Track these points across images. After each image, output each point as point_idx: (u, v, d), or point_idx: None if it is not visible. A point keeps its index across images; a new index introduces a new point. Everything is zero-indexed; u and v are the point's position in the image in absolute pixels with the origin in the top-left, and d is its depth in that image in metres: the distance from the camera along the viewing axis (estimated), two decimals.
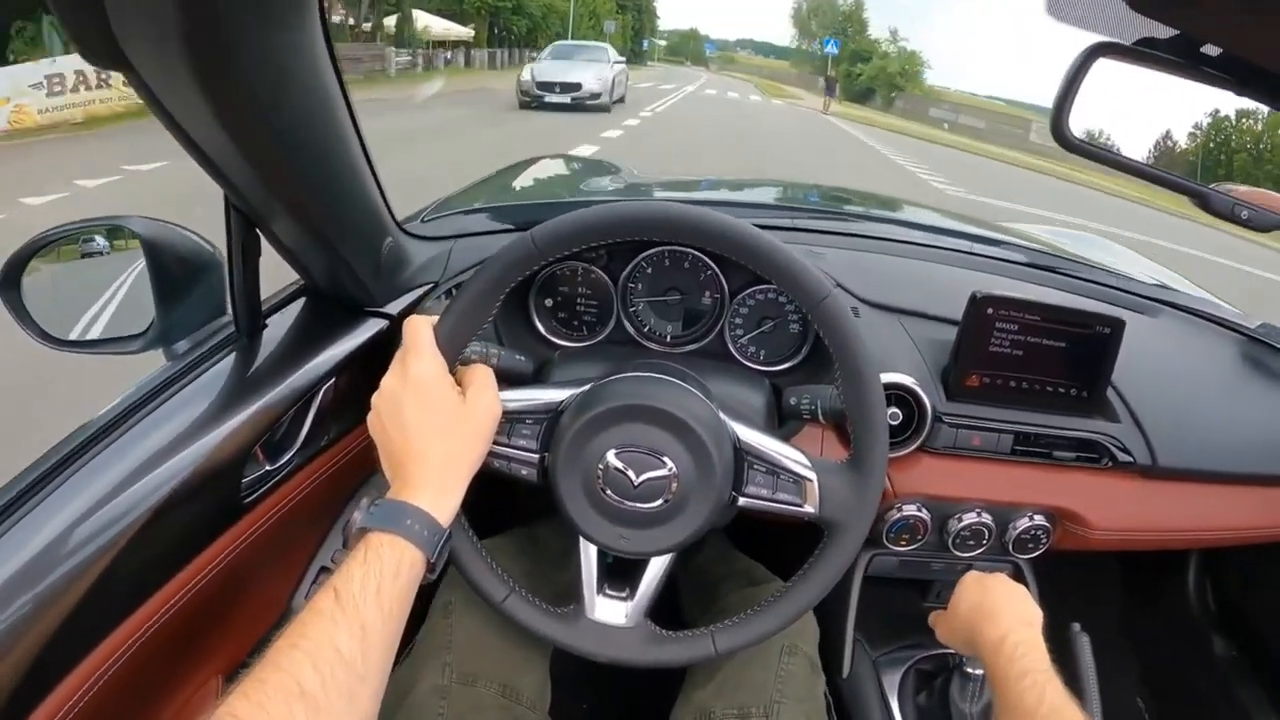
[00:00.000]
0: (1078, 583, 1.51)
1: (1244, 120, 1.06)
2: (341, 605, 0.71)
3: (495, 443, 0.93)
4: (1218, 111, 1.03)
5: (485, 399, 0.90)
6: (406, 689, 1.04)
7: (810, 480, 0.93)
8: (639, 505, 0.90)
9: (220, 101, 0.74)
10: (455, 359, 0.90)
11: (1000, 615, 1.00)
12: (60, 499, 0.83)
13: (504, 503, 1.08)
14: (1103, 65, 0.88)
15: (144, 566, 0.87)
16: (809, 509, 0.93)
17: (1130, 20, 0.80)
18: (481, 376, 0.91)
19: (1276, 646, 1.51)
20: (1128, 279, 1.58)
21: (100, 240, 1.13)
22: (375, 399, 0.89)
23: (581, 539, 0.97)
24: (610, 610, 0.98)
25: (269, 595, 1.15)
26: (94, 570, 0.80)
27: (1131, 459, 1.22)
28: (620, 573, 1.00)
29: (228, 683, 1.03)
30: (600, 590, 0.98)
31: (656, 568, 0.98)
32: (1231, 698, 1.54)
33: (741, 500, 0.94)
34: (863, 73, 73.21)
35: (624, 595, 0.98)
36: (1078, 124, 0.92)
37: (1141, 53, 0.83)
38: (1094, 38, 0.86)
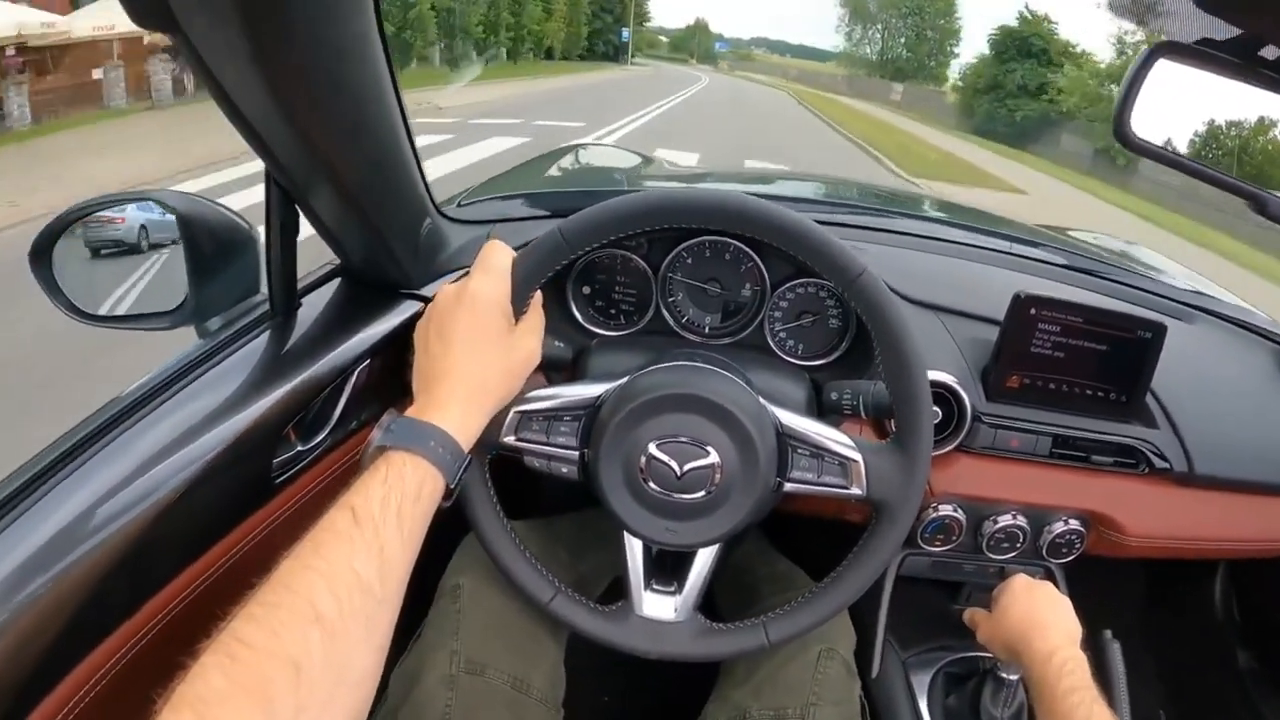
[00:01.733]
0: (1104, 589, 1.49)
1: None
2: (360, 525, 0.67)
3: (533, 441, 0.92)
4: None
5: (531, 340, 0.89)
6: (414, 679, 1.01)
7: (856, 461, 0.92)
8: (684, 496, 0.89)
9: (275, 73, 0.73)
10: (521, 295, 0.88)
11: (1050, 629, 1.00)
12: (88, 473, 0.82)
13: (522, 493, 1.06)
14: (1165, 65, 0.87)
15: (172, 544, 0.86)
16: (856, 491, 0.92)
17: (1193, 19, 0.79)
18: (534, 319, 0.91)
19: None
20: (1166, 284, 1.57)
21: (133, 211, 1.11)
22: (429, 307, 0.87)
23: (626, 534, 0.96)
24: (659, 605, 0.97)
25: None
26: (121, 547, 0.79)
27: (1169, 466, 1.21)
28: (667, 567, 0.99)
29: None
30: (648, 585, 0.97)
31: (704, 559, 0.97)
32: (1254, 710, 1.53)
33: (787, 485, 0.93)
34: (1026, 85, 39.29)
35: (672, 589, 0.97)
36: (1140, 124, 0.90)
37: (1203, 53, 0.82)
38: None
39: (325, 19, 0.73)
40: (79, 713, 0.77)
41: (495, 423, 0.89)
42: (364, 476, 0.73)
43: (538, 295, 0.92)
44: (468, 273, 1.17)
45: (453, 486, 0.78)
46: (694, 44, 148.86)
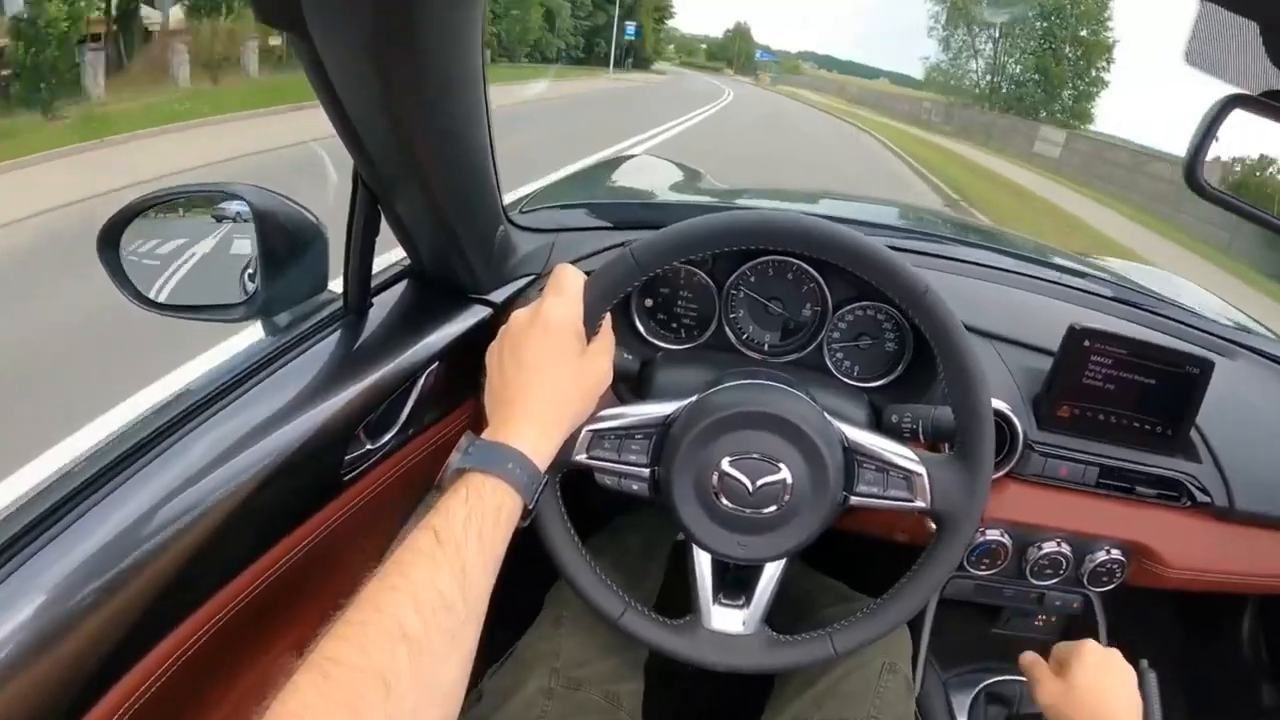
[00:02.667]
0: (1136, 619, 1.51)
1: None
2: (442, 545, 0.70)
3: (605, 459, 0.94)
4: None
5: (602, 361, 0.90)
6: (513, 687, 1.04)
7: (920, 475, 0.93)
8: (756, 512, 0.91)
9: (389, 78, 0.75)
10: (593, 317, 0.89)
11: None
12: (162, 465, 0.83)
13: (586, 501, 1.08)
14: (1238, 116, 0.88)
15: (243, 539, 0.88)
16: (920, 504, 0.93)
17: (1269, 73, 0.81)
18: (605, 340, 0.91)
19: None
20: (1209, 319, 1.58)
21: (230, 206, 1.11)
22: (502, 329, 0.88)
23: (695, 549, 0.97)
24: (728, 619, 0.98)
25: (351, 574, 1.14)
26: (191, 540, 0.81)
27: (1210, 500, 1.22)
28: (734, 580, 1.00)
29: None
30: (716, 599, 0.98)
31: (771, 573, 0.98)
32: None
33: (854, 499, 0.94)
34: None
35: (740, 603, 0.98)
36: (1211, 173, 0.91)
37: (1273, 106, 0.83)
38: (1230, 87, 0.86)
39: (444, 30, 0.75)
40: (149, 699, 0.78)
41: (568, 441, 0.90)
42: (445, 498, 0.75)
43: (608, 316, 0.93)
44: (534, 280, 1.19)
45: (530, 507, 0.80)
46: (733, 51, 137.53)
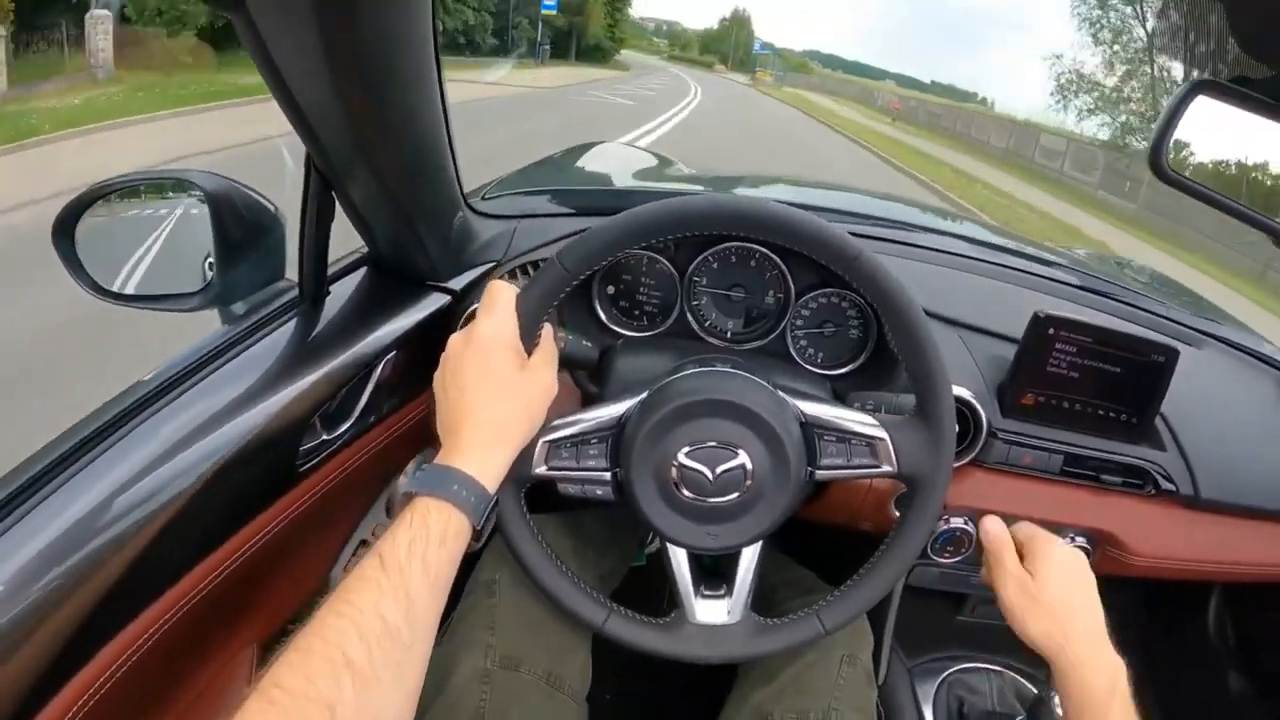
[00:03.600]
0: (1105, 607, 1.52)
1: None
2: (387, 572, 0.70)
3: (565, 468, 0.93)
4: None
5: (544, 374, 0.89)
6: (447, 671, 1.02)
7: (882, 439, 0.92)
8: (720, 499, 0.90)
9: (335, 62, 0.75)
10: (529, 331, 0.89)
11: (1102, 638, 0.96)
12: (115, 458, 0.82)
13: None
14: (1203, 102, 0.88)
15: (197, 531, 0.87)
16: (887, 468, 0.93)
17: (1237, 60, 0.81)
18: (546, 352, 0.91)
19: None
20: (1176, 309, 1.58)
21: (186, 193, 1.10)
22: (443, 355, 0.88)
23: (669, 545, 0.96)
24: (712, 610, 0.97)
25: (309, 566, 1.14)
26: (145, 533, 0.79)
27: (1175, 488, 1.22)
28: (713, 571, 0.99)
29: (264, 652, 1.02)
30: (698, 592, 0.97)
31: (749, 558, 0.97)
32: None
33: (819, 473, 0.94)
34: None
35: (721, 593, 0.97)
36: (1174, 158, 0.92)
37: (1239, 92, 0.83)
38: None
39: (389, 13, 0.74)
40: (105, 692, 0.77)
41: (525, 456, 0.89)
42: (393, 524, 0.76)
43: (547, 326, 0.93)
44: (494, 267, 1.18)
45: (479, 528, 0.80)
46: (730, 43, 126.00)
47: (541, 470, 0.92)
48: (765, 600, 1.21)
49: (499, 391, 0.85)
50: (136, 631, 0.80)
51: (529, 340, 0.89)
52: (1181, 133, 0.91)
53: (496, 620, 1.06)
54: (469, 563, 0.99)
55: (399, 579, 0.70)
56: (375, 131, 0.87)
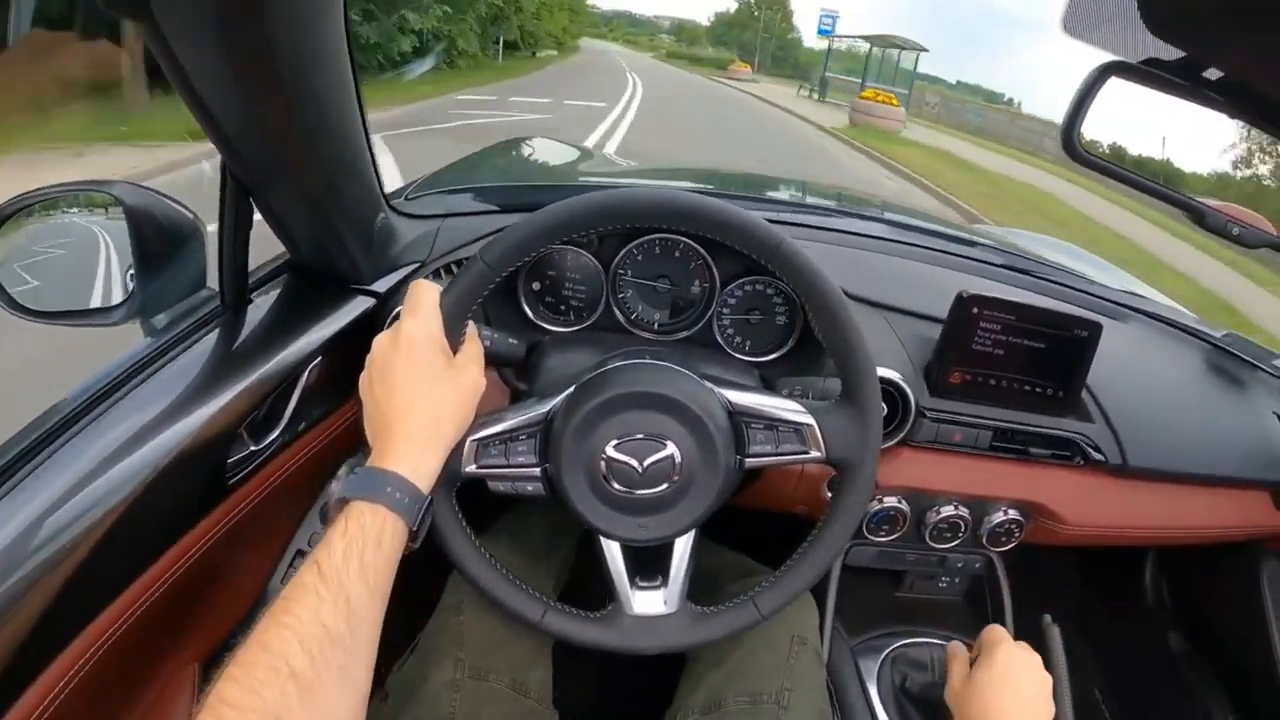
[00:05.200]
0: (1041, 575, 1.55)
1: None
2: (325, 579, 0.70)
3: (494, 465, 0.93)
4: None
5: (472, 371, 0.89)
6: (417, 683, 1.03)
7: (810, 425, 0.93)
8: (649, 491, 0.91)
9: (246, 69, 0.74)
10: (454, 329, 0.89)
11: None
12: (38, 482, 0.80)
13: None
14: (1114, 84, 0.90)
15: (127, 551, 0.85)
16: (815, 453, 0.94)
17: (1144, 42, 0.82)
18: (472, 348, 0.91)
19: (1232, 643, 1.57)
20: (1100, 285, 1.62)
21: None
22: (369, 357, 0.88)
23: (602, 538, 0.96)
24: (649, 601, 0.97)
25: (248, 579, 1.13)
26: (75, 557, 0.78)
27: (1103, 458, 1.26)
28: (648, 562, 0.99)
29: (206, 670, 1.01)
30: (633, 584, 0.98)
31: (683, 548, 0.98)
32: (1189, 692, 1.59)
33: (748, 461, 0.94)
34: None
35: (657, 584, 0.98)
36: (1088, 138, 0.94)
37: (1150, 73, 0.85)
38: (1107, 56, 0.88)
39: (298, 14, 0.74)
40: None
41: (454, 455, 0.89)
42: (328, 530, 0.75)
43: (471, 324, 0.93)
44: (419, 268, 1.17)
45: (414, 529, 0.80)
46: (756, 32, 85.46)
47: (471, 469, 0.92)
48: (707, 586, 1.22)
49: (428, 390, 0.85)
50: (69, 660, 0.79)
51: (454, 338, 0.89)
52: (1094, 114, 0.93)
53: (465, 636, 1.07)
54: (421, 574, 0.99)
55: (337, 585, 0.70)
56: (290, 137, 0.87)
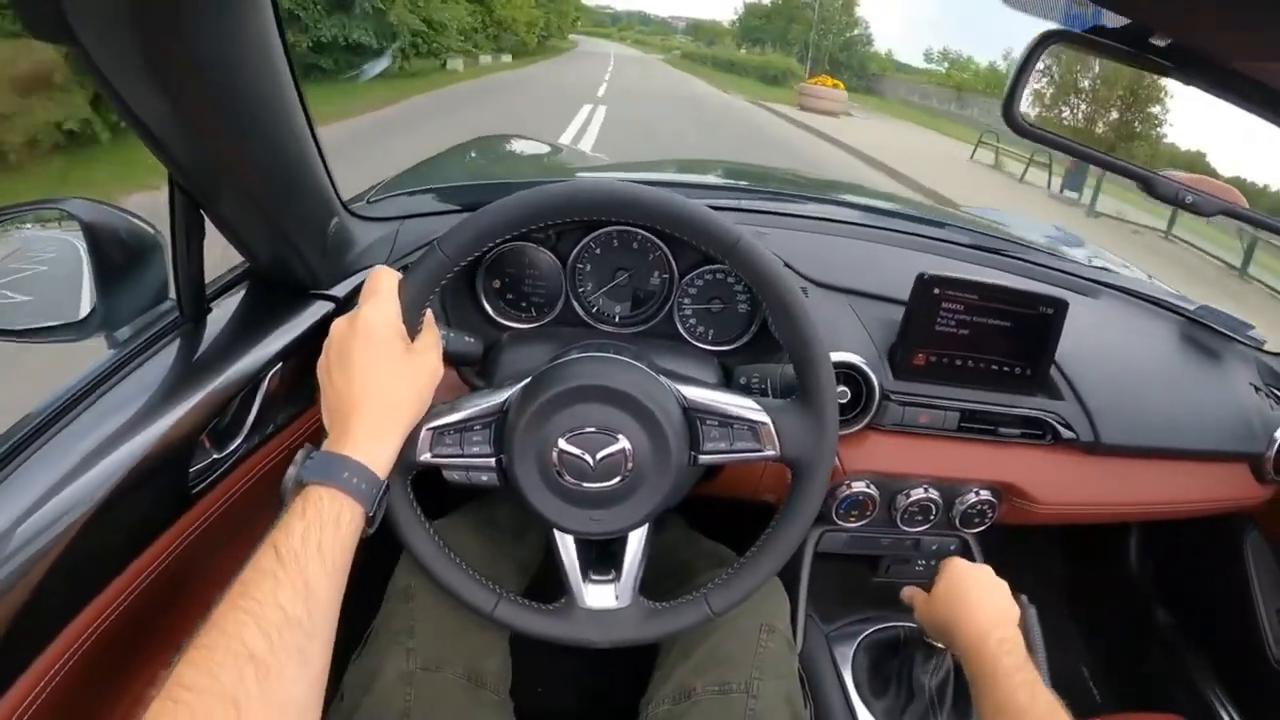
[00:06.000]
0: (1022, 556, 1.55)
1: None
2: (283, 562, 0.70)
3: (449, 455, 0.93)
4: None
5: (430, 357, 0.89)
6: (371, 677, 1.03)
7: (765, 423, 0.93)
8: (600, 485, 0.91)
9: (172, 79, 0.74)
10: (413, 315, 0.89)
11: (983, 609, 1.04)
12: (3, 498, 0.80)
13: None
14: (1055, 52, 0.90)
15: (91, 563, 0.85)
16: (770, 452, 0.93)
17: (1083, 10, 0.82)
18: (430, 335, 0.91)
19: (1215, 616, 1.56)
20: (1069, 261, 1.62)
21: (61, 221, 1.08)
22: (326, 341, 0.88)
23: (555, 531, 0.96)
24: (601, 595, 0.98)
25: (220, 586, 1.12)
26: (39, 570, 0.78)
27: (1075, 436, 1.26)
28: (601, 556, 1.00)
29: None
30: (586, 578, 0.98)
31: (636, 542, 0.98)
32: (1174, 666, 1.60)
33: (702, 458, 0.94)
34: None
35: (610, 577, 0.98)
36: (1029, 109, 0.94)
37: (1093, 40, 0.85)
38: (1046, 25, 0.88)
39: (221, 23, 0.74)
40: None
41: (410, 443, 0.89)
42: (285, 514, 0.75)
43: (429, 311, 0.93)
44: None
45: (371, 514, 0.80)
46: (811, 29, 59.07)
47: (426, 457, 0.92)
48: (682, 577, 1.22)
49: (387, 375, 0.85)
50: (38, 672, 0.79)
51: (412, 325, 0.89)
52: (1035, 83, 0.93)
53: (415, 625, 1.07)
54: (378, 562, 0.99)
55: (295, 568, 0.70)
56: (230, 147, 0.87)
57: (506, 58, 29.75)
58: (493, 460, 0.94)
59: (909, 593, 1.20)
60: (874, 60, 62.03)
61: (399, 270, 1.02)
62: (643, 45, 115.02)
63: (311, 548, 0.72)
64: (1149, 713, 1.34)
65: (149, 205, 1.06)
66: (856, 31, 62.82)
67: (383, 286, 0.88)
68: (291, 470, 0.79)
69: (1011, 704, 0.90)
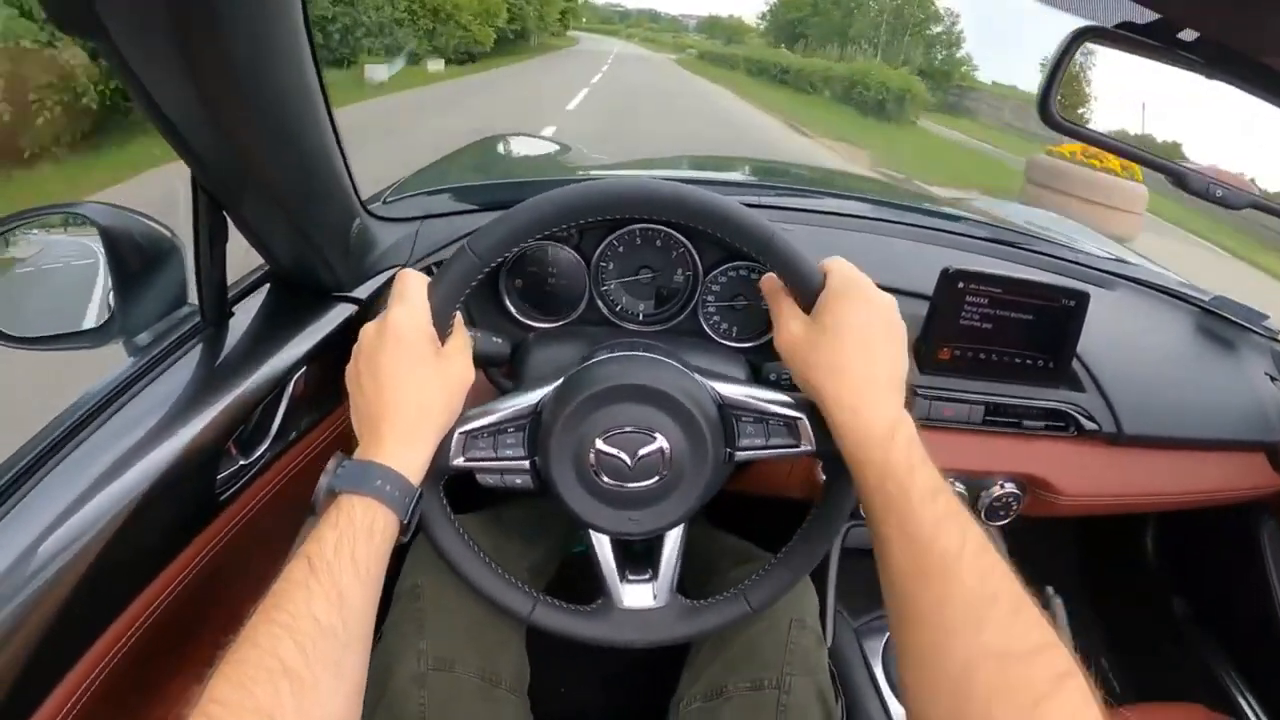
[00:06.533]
0: (1040, 547, 1.55)
1: None
2: (316, 573, 0.69)
3: (482, 458, 0.92)
4: None
5: (460, 360, 0.88)
6: (383, 679, 1.01)
7: (800, 418, 0.92)
8: (639, 485, 0.90)
9: (202, 79, 0.73)
10: (442, 319, 0.87)
11: (892, 376, 0.86)
12: (29, 509, 0.79)
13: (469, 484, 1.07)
14: (1089, 49, 0.90)
15: (121, 573, 0.85)
16: (806, 447, 0.92)
17: (1117, 6, 0.82)
18: (460, 339, 0.90)
19: (1233, 605, 1.57)
20: (1086, 254, 1.62)
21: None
22: (355, 347, 0.86)
23: (592, 531, 0.96)
24: (639, 595, 0.97)
25: (250, 592, 1.11)
26: (68, 582, 0.77)
27: (1098, 427, 1.26)
28: (637, 556, 0.99)
29: None
30: (623, 578, 0.97)
31: (672, 541, 0.97)
32: (1193, 657, 1.60)
33: (738, 454, 0.93)
34: None
35: (647, 577, 0.97)
36: (1064, 105, 0.94)
37: (1124, 37, 0.85)
38: (1080, 21, 0.88)
39: (253, 23, 0.73)
40: None
41: (442, 447, 0.88)
42: (318, 524, 0.74)
43: (459, 314, 0.91)
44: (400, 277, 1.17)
45: (405, 522, 0.79)
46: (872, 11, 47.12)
47: (459, 461, 0.91)
48: (705, 573, 1.22)
49: (418, 381, 0.83)
50: (69, 688, 0.78)
51: (442, 328, 0.87)
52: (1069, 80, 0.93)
53: (425, 624, 1.05)
54: (396, 562, 0.99)
55: (329, 579, 0.69)
56: (257, 147, 0.86)
57: (437, 64, 20.28)
58: (527, 462, 0.93)
59: (770, 290, 0.95)
60: (956, 68, 45.42)
61: (422, 271, 1.01)
62: (652, 44, 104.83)
63: (345, 558, 0.71)
64: (1168, 702, 1.35)
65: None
66: (939, 29, 47.72)
67: (411, 290, 0.86)
68: (323, 479, 0.78)
69: (934, 548, 0.73)
